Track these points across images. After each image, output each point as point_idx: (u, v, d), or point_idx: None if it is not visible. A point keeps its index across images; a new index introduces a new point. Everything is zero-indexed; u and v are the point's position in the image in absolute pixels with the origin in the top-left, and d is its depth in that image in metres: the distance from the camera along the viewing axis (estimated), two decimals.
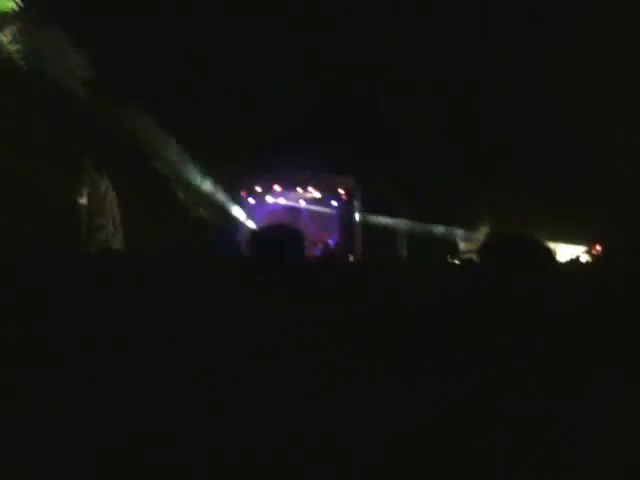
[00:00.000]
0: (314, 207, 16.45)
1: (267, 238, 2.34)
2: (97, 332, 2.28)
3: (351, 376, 1.88)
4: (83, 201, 9.78)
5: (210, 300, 2.18)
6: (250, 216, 16.05)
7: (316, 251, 13.75)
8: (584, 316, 2.28)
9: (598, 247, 13.22)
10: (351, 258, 13.51)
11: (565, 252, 13.52)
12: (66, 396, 1.98)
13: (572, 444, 1.78)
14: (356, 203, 16.06)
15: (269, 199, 16.26)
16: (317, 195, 16.15)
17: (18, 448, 1.82)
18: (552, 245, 13.82)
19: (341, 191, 16.20)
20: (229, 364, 1.91)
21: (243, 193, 16.05)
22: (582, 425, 1.83)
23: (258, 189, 16.05)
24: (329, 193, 16.39)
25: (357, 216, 15.93)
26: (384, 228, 15.69)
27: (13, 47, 9.05)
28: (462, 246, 16.24)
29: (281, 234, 2.33)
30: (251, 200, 16.21)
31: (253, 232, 2.51)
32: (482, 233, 16.16)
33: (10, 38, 9.08)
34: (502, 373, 1.89)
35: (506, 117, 13.95)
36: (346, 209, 16.14)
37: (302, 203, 16.42)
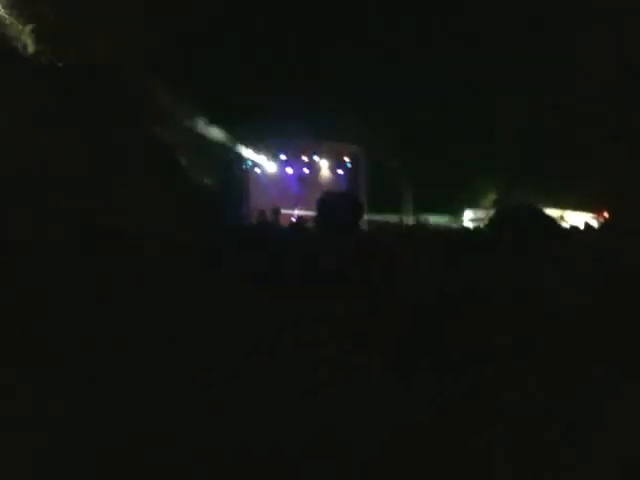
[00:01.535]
0: (319, 174, 16.30)
1: (331, 204, 2.54)
2: (97, 332, 2.28)
3: (349, 373, 1.88)
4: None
5: (208, 299, 2.19)
6: (255, 185, 15.87)
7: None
8: (583, 316, 2.28)
9: (605, 214, 13.30)
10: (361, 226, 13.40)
11: (573, 218, 13.55)
12: (66, 396, 1.98)
13: (571, 443, 1.78)
14: (362, 171, 15.88)
15: (270, 167, 16.07)
16: (322, 162, 15.99)
17: (18, 448, 1.82)
18: (560, 212, 13.87)
19: (346, 158, 16.08)
20: (227, 362, 1.92)
21: (249, 161, 15.88)
22: (581, 424, 1.83)
23: (259, 156, 15.87)
24: (335, 160, 16.27)
25: (362, 184, 15.77)
26: (390, 195, 15.49)
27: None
28: (471, 214, 16.10)
29: (345, 201, 2.53)
30: (256, 169, 16.03)
31: (319, 199, 2.72)
32: (489, 201, 16.17)
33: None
34: (500, 371, 1.90)
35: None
36: (351, 177, 16.01)
37: (306, 171, 16.22)
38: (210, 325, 2.04)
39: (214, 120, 13.67)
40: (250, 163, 16.17)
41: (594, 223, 12.52)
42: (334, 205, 2.53)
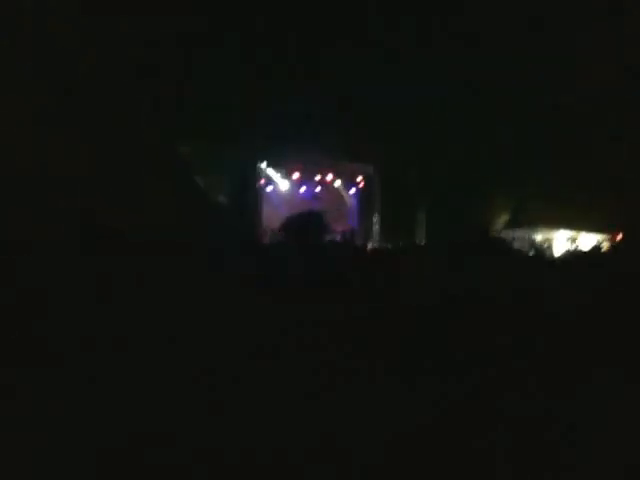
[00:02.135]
0: (329, 193, 16.37)
1: (295, 223, 2.64)
2: (97, 332, 2.28)
3: (351, 376, 1.88)
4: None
5: (210, 300, 2.18)
6: (268, 203, 15.92)
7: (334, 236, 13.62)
8: (584, 316, 2.28)
9: (619, 236, 13.20)
10: (369, 246, 13.48)
11: (587, 241, 13.51)
12: (66, 396, 1.98)
13: (572, 444, 1.78)
14: (375, 191, 15.95)
15: (284, 185, 16.14)
16: (336, 182, 16.05)
17: (18, 448, 1.82)
18: (572, 234, 13.83)
19: (359, 178, 16.13)
20: (229, 364, 1.91)
21: (262, 180, 15.93)
22: (582, 425, 1.83)
23: (273, 175, 15.92)
24: (348, 180, 16.33)
25: (375, 203, 15.83)
26: (403, 215, 15.51)
27: None
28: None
29: (307, 220, 2.63)
30: (269, 188, 16.09)
31: (286, 218, 2.82)
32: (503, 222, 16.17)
33: None
34: (502, 373, 1.90)
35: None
36: (364, 197, 16.09)
37: (319, 190, 16.29)
38: (212, 326, 2.04)
39: (230, 137, 13.69)
40: (264, 181, 16.24)
41: (607, 245, 12.46)
42: (297, 226, 2.67)
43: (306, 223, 2.66)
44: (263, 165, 15.70)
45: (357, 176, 16.40)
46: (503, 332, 2.02)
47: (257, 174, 15.60)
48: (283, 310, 2.03)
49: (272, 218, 14.97)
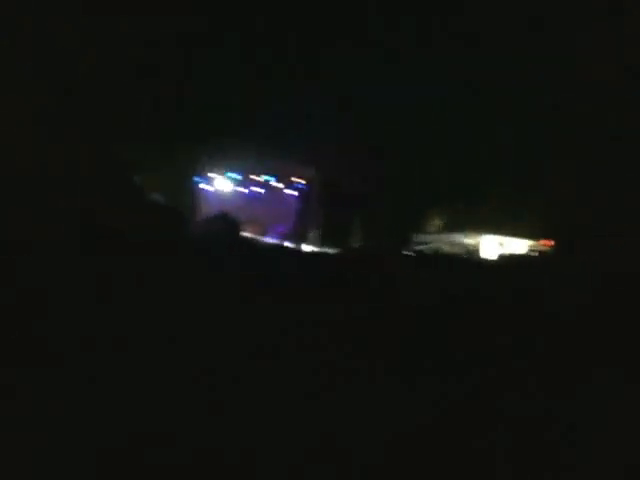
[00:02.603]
0: (270, 194, 16.41)
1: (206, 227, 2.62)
2: (97, 332, 2.28)
3: (351, 376, 1.87)
4: None
5: (210, 300, 2.18)
6: (205, 202, 15.89)
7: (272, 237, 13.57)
8: (584, 316, 2.28)
9: (546, 242, 13.69)
10: (305, 248, 13.57)
11: (514, 246, 14.07)
12: (66, 396, 1.98)
13: (572, 444, 1.78)
14: (314, 192, 16.02)
15: (224, 185, 16.15)
16: (274, 182, 16.09)
17: (18, 448, 1.81)
18: (499, 238, 14.34)
19: (300, 180, 16.18)
20: (229, 364, 1.91)
21: (198, 179, 15.93)
22: (582, 425, 1.83)
23: (213, 175, 15.93)
24: (287, 181, 16.36)
25: (314, 205, 15.91)
26: (341, 218, 15.65)
27: None
28: (415, 238, 16.42)
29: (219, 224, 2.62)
30: (206, 186, 16.08)
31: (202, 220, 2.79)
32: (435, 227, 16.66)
33: None
34: (502, 373, 1.90)
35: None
36: (303, 198, 16.13)
37: (257, 190, 16.30)
38: (212, 326, 2.04)
39: (166, 136, 13.66)
40: (202, 181, 16.23)
41: (536, 251, 12.99)
42: (208, 228, 2.69)
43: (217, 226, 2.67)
44: (203, 165, 15.66)
45: (296, 177, 16.41)
46: (503, 332, 2.02)
47: (196, 174, 15.59)
48: (283, 310, 2.03)
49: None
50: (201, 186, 15.90)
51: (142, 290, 2.72)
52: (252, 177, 16.10)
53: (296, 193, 16.28)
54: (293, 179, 16.26)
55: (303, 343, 1.90)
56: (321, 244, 14.43)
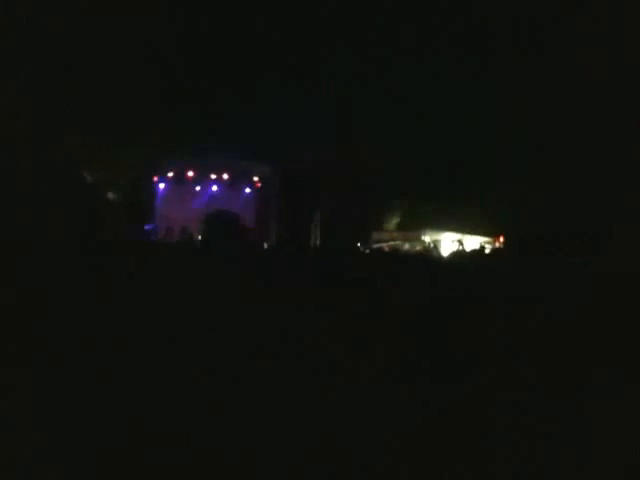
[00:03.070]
0: (227, 193, 16.41)
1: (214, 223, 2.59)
2: (97, 332, 2.28)
3: (351, 376, 1.88)
4: None
5: (210, 300, 2.18)
6: (162, 201, 15.85)
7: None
8: (584, 316, 2.28)
9: (501, 239, 14.05)
10: (265, 245, 13.58)
11: (471, 242, 14.37)
12: (66, 396, 1.98)
13: (572, 444, 1.78)
14: (271, 191, 15.99)
15: (182, 184, 16.09)
16: (230, 180, 16.09)
17: (18, 448, 1.81)
18: (459, 236, 14.60)
19: (256, 178, 16.16)
20: (229, 364, 1.91)
21: (155, 178, 15.83)
22: (582, 425, 1.83)
23: (171, 174, 15.87)
24: (244, 180, 16.35)
25: (271, 203, 15.89)
26: (299, 216, 15.65)
27: None
28: (374, 236, 16.59)
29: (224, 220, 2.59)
30: (162, 185, 16.01)
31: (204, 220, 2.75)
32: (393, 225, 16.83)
33: None
34: (502, 373, 1.90)
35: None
36: (260, 196, 16.11)
37: (215, 188, 16.27)
38: (212, 326, 2.04)
39: (122, 135, 13.58)
40: (158, 179, 16.15)
41: (489, 247, 13.36)
42: (216, 226, 2.63)
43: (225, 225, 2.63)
44: (157, 163, 15.56)
45: (253, 175, 16.31)
46: (503, 332, 2.02)
47: (150, 172, 15.51)
48: (283, 310, 2.03)
49: (169, 217, 14.98)
50: (158, 184, 15.87)
51: (142, 290, 2.72)
52: (209, 175, 16.07)
53: (251, 191, 16.28)
54: (249, 177, 16.27)
55: (303, 343, 1.90)
56: (278, 243, 14.42)
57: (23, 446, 1.82)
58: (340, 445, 1.76)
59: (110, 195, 14.59)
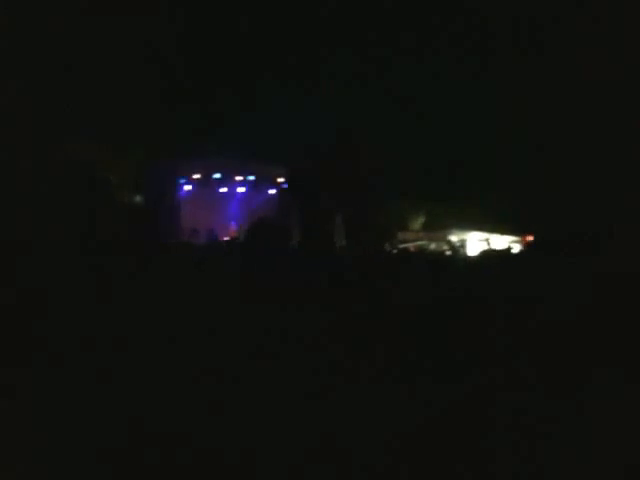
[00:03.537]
0: (252, 194, 16.39)
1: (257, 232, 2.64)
2: (97, 332, 2.28)
3: (351, 376, 1.88)
4: None
5: (210, 300, 2.18)
6: (187, 203, 15.85)
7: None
8: (584, 316, 2.29)
9: (529, 237, 14.00)
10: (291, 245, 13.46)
11: (499, 241, 14.32)
12: (66, 396, 1.98)
13: (572, 444, 1.78)
14: (294, 192, 15.97)
15: (208, 186, 16.05)
16: (255, 183, 16.07)
17: (18, 448, 1.82)
18: (486, 235, 14.55)
19: (280, 179, 16.12)
20: (229, 364, 1.91)
21: (181, 180, 15.83)
22: (582, 425, 1.83)
23: (197, 176, 15.84)
24: (268, 181, 16.31)
25: (294, 204, 15.85)
26: (322, 216, 15.58)
27: None
28: (400, 236, 16.51)
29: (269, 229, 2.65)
30: (188, 187, 15.98)
31: (249, 229, 2.82)
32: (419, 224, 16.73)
33: None
34: (502, 373, 1.90)
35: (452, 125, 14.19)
36: (284, 197, 16.07)
37: (241, 190, 16.25)
38: (212, 326, 2.04)
39: (145, 137, 13.59)
40: (183, 181, 16.11)
41: (517, 246, 13.29)
42: (265, 235, 2.72)
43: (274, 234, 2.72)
44: (184, 166, 15.53)
45: (278, 178, 16.27)
46: (503, 332, 2.02)
47: (178, 174, 15.50)
48: (283, 310, 2.03)
49: (194, 219, 14.95)
50: (184, 186, 15.86)
51: (142, 290, 2.72)
52: (234, 176, 16.04)
53: (275, 192, 16.24)
54: (273, 178, 16.24)
55: (303, 343, 1.90)
56: (300, 244, 14.33)
57: (23, 446, 1.82)
58: (340, 445, 1.76)
59: (138, 199, 14.60)
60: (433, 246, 14.53)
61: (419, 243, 14.69)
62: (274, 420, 1.82)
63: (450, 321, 2.15)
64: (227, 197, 16.16)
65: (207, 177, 15.81)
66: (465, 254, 13.04)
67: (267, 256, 2.50)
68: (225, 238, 13.16)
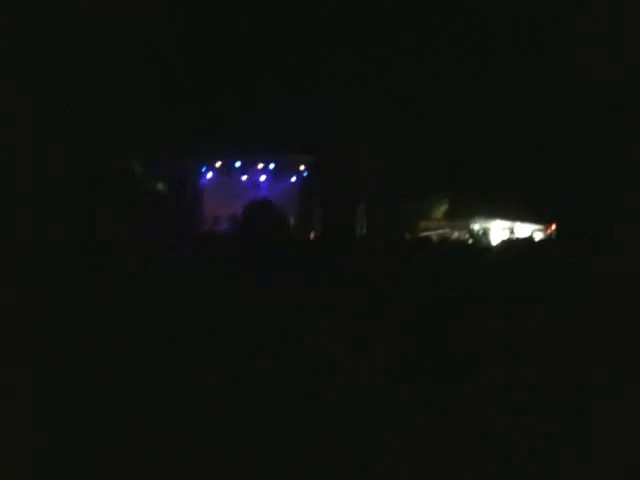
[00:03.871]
0: (273, 183, 16.24)
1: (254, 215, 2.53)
2: (97, 332, 2.28)
3: (351, 376, 1.88)
4: None
5: (210, 300, 2.18)
6: (209, 191, 15.74)
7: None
8: (584, 316, 2.29)
9: (552, 227, 13.85)
10: (311, 236, 13.41)
11: (522, 230, 14.17)
12: (66, 396, 1.98)
13: (572, 444, 1.78)
14: (316, 180, 15.81)
15: (229, 174, 15.93)
16: (277, 171, 15.92)
17: (18, 448, 1.82)
18: (509, 224, 14.42)
19: (302, 167, 15.99)
20: (229, 364, 1.92)
21: (203, 168, 15.72)
22: (582, 425, 1.83)
23: (219, 164, 15.71)
24: (290, 169, 16.18)
25: (317, 192, 15.71)
26: (344, 204, 15.42)
27: None
28: (422, 225, 16.34)
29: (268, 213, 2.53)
30: (210, 174, 15.87)
31: (243, 211, 2.66)
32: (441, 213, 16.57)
33: None
34: (502, 373, 1.90)
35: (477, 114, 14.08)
36: (306, 185, 15.91)
37: (263, 178, 16.15)
38: (212, 326, 2.04)
39: (166, 125, 13.59)
40: (204, 170, 16.01)
41: (540, 235, 13.13)
42: (256, 217, 2.57)
43: (266, 216, 2.56)
44: (204, 154, 15.43)
45: (300, 166, 16.10)
46: (503, 332, 2.02)
47: (199, 163, 15.42)
48: (283, 310, 2.03)
49: (215, 207, 14.83)
50: (206, 174, 15.74)
51: (142, 290, 2.72)
52: (256, 165, 15.92)
53: (296, 179, 16.13)
54: (295, 166, 16.09)
55: (303, 343, 1.90)
56: (322, 233, 14.27)
57: (23, 446, 1.82)
58: (340, 445, 1.76)
59: (160, 186, 14.58)
60: (456, 235, 14.36)
61: (441, 232, 14.52)
62: (274, 420, 1.83)
63: (450, 321, 2.15)
64: (248, 185, 16.06)
65: (229, 165, 15.73)
66: (488, 242, 12.82)
67: (263, 249, 2.41)
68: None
